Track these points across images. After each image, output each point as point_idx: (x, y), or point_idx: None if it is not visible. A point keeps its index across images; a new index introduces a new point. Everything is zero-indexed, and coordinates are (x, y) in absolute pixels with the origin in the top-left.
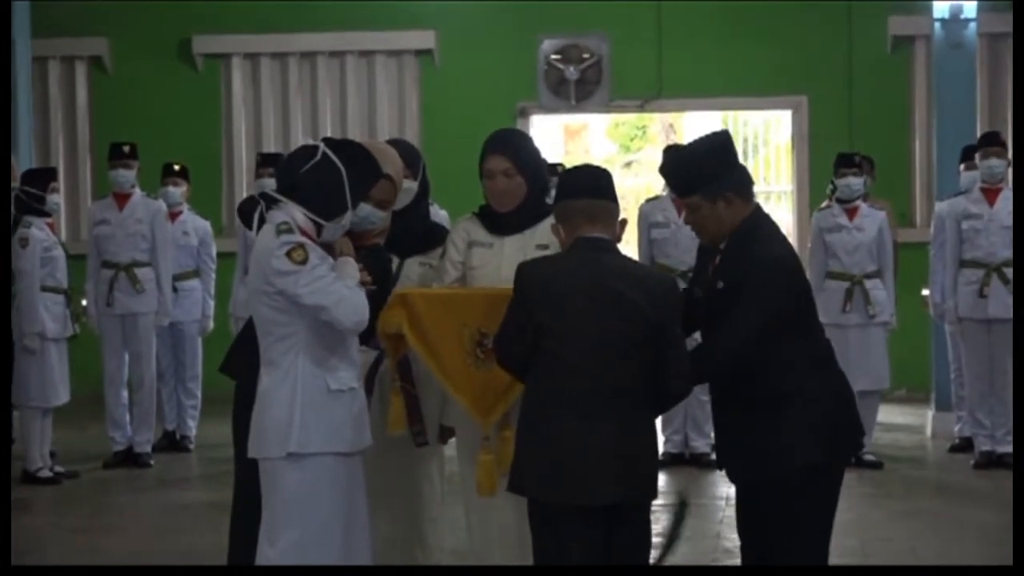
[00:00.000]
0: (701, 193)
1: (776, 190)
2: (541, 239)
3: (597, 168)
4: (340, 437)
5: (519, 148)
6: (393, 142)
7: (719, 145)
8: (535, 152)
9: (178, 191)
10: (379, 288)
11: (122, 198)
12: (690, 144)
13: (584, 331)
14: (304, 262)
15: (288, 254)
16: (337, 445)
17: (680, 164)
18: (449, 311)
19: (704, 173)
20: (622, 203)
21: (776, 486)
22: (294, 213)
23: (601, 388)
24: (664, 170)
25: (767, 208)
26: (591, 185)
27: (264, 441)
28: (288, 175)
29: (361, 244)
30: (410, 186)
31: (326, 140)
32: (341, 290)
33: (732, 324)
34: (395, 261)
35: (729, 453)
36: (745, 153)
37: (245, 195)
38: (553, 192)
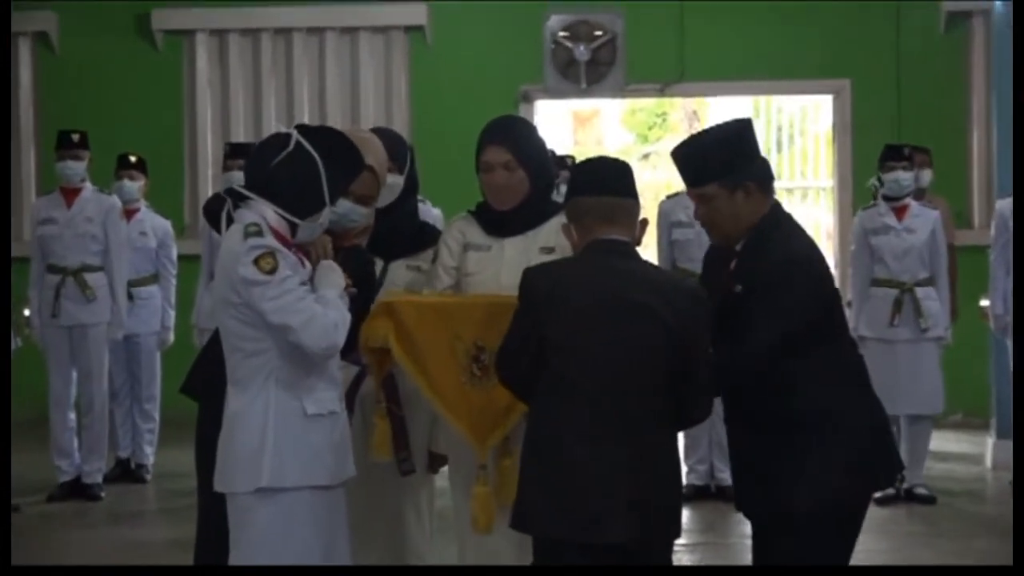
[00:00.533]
0: (719, 182)
1: (814, 186)
2: (546, 241)
3: (615, 160)
4: (319, 468)
5: (521, 138)
6: (377, 131)
7: (741, 131)
8: (539, 143)
9: (135, 185)
10: (361, 295)
11: (70, 193)
12: (708, 129)
13: (598, 347)
14: (273, 271)
15: (256, 261)
16: (316, 477)
17: (697, 148)
18: (442, 322)
19: (723, 160)
20: (640, 200)
21: (791, 523)
22: (265, 211)
23: (615, 411)
24: (677, 154)
25: (804, 207)
26: (608, 180)
27: (232, 473)
28: (258, 168)
29: (340, 245)
30: (395, 180)
31: (300, 128)
32: (311, 308)
33: (752, 333)
34: (379, 265)
35: (743, 484)
36: (779, 144)
37: (211, 190)
38: (563, 188)
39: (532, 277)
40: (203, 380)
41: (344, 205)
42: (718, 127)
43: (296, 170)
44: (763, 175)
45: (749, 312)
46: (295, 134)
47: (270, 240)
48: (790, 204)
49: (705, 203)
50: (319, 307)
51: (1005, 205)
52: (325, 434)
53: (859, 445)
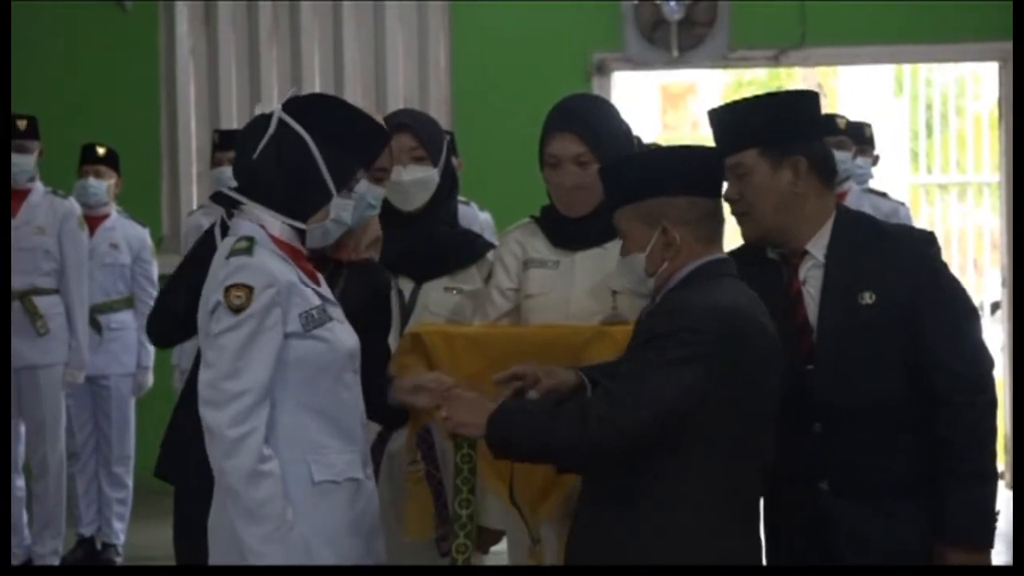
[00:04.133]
0: (761, 148)
1: (975, 181)
2: None
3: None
4: (329, 554)
5: (598, 124)
6: (402, 113)
7: (802, 98)
8: (622, 129)
9: (103, 185)
10: (376, 327)
11: (15, 196)
12: (762, 93)
13: (771, 405)
14: (240, 310)
15: (227, 290)
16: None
17: (739, 106)
18: (479, 357)
19: (771, 121)
20: None
21: None
22: (263, 218)
23: (755, 496)
24: (713, 114)
25: (962, 206)
26: (717, 178)
27: (226, 555)
28: (243, 163)
29: (340, 259)
30: (428, 175)
31: (287, 103)
32: (248, 369)
33: (959, 337)
34: (408, 286)
35: None
36: (930, 127)
37: (196, 191)
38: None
39: (725, 316)
40: (182, 456)
41: (360, 186)
42: (774, 91)
43: (283, 157)
44: (823, 158)
45: (899, 330)
46: (277, 110)
47: (260, 259)
48: (944, 203)
49: (739, 179)
50: (261, 378)
51: None
52: (340, 508)
53: None
